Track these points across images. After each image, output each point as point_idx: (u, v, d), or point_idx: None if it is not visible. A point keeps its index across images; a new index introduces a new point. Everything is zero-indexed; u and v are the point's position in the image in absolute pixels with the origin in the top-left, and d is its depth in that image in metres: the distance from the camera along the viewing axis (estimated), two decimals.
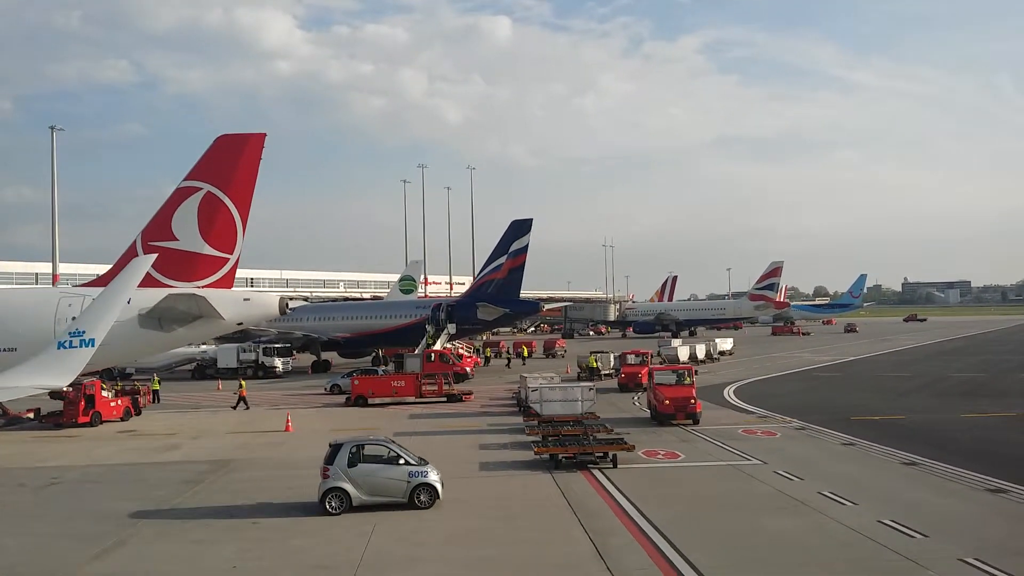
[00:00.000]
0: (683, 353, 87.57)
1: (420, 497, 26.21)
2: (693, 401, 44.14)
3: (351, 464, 26.03)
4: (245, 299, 48.66)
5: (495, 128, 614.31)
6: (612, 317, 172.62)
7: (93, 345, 34.39)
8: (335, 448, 26.51)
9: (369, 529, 24.11)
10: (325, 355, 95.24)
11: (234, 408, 55.70)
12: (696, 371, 50.86)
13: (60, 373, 34.27)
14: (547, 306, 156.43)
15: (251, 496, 29.47)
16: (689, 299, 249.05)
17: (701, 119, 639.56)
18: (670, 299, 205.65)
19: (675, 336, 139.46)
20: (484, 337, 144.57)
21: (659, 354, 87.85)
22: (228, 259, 47.07)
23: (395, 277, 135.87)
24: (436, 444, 40.03)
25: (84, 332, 34.42)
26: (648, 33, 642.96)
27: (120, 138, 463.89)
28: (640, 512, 25.40)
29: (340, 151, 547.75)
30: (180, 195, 47.00)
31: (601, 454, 32.98)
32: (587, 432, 35.69)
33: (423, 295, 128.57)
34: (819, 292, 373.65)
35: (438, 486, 26.48)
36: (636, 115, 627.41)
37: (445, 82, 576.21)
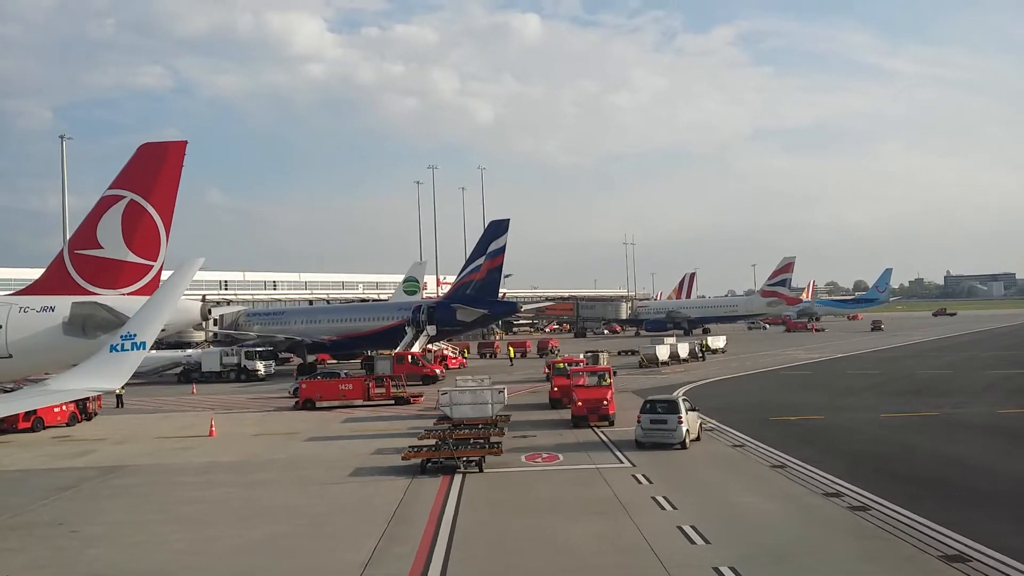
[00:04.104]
0: (663, 352, 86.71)
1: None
2: (606, 403, 43.67)
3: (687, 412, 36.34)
4: None
5: (528, 127, 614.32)
6: (624, 315, 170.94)
7: (145, 348, 35.42)
8: (671, 403, 37.09)
9: (182, 538, 24.44)
10: (315, 357, 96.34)
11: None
12: (609, 373, 49.86)
13: (112, 376, 35.30)
14: (528, 306, 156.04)
15: (101, 504, 29.92)
16: (727, 295, 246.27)
17: (736, 112, 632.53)
18: (687, 296, 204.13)
19: (688, 334, 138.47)
20: (497, 335, 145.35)
21: (640, 354, 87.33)
22: (152, 266, 47.34)
23: None
24: (332, 449, 40.20)
25: (135, 335, 35.17)
26: (680, 26, 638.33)
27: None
28: (453, 518, 25.26)
29: (372, 153, 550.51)
30: (104, 204, 47.43)
31: (475, 458, 33.03)
32: (482, 436, 35.86)
33: (435, 296, 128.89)
34: (859, 287, 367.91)
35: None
36: (670, 110, 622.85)
37: (476, 81, 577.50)
